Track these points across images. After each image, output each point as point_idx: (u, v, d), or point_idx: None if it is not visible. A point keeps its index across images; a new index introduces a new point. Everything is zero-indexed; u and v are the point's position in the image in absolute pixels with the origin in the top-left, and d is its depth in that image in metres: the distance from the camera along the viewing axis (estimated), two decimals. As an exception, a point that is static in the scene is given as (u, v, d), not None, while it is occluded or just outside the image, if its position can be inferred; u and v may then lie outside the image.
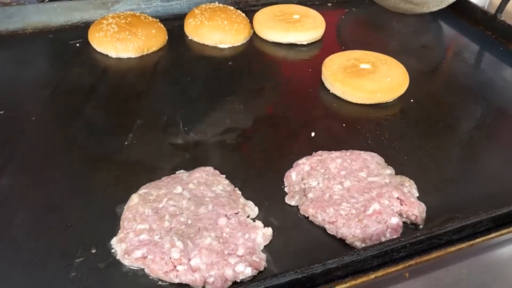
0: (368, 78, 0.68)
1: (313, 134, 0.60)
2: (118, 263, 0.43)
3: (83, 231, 0.46)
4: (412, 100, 0.69)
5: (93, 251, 0.44)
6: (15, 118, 0.61)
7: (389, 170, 0.53)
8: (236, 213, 0.47)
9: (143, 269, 0.42)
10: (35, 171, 0.53)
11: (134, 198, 0.47)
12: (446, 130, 0.64)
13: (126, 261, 0.42)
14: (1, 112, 0.62)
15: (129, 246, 0.42)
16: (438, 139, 0.62)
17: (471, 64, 0.82)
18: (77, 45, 0.78)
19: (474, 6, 0.92)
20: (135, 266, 0.42)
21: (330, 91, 0.69)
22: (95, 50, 0.76)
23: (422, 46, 0.87)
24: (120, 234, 0.44)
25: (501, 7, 0.87)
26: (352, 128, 0.63)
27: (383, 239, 0.45)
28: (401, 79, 0.69)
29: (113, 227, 0.46)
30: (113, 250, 0.44)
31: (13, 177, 0.52)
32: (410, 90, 0.70)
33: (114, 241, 0.44)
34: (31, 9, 0.81)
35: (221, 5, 0.85)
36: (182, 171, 0.52)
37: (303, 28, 0.80)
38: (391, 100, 0.68)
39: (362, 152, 0.55)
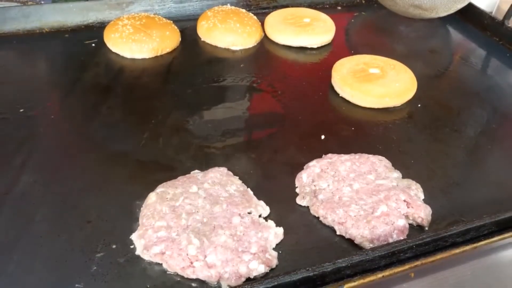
0: (376, 83, 0.70)
1: (323, 137, 0.62)
2: (137, 258, 0.45)
3: (103, 227, 0.48)
4: (419, 105, 0.71)
5: (113, 246, 0.46)
6: (34, 116, 0.63)
7: (396, 174, 0.55)
8: (249, 213, 0.49)
9: (161, 265, 0.44)
10: (55, 169, 0.55)
11: (152, 197, 0.49)
12: (452, 134, 0.66)
13: (146, 256, 0.44)
14: (21, 110, 0.64)
15: (148, 242, 0.44)
16: (444, 144, 0.64)
17: (478, 69, 0.84)
18: (93, 45, 0.80)
19: (482, 12, 0.94)
20: (153, 261, 0.44)
21: (340, 95, 0.71)
22: (110, 50, 0.78)
23: (430, 50, 0.88)
24: (140, 231, 0.46)
25: (509, 14, 0.88)
26: (361, 131, 0.64)
27: (390, 240, 0.47)
28: (409, 84, 0.71)
29: (131, 224, 0.48)
30: (132, 246, 0.46)
31: (34, 174, 0.54)
32: (418, 94, 0.72)
33: (134, 237, 0.46)
34: (48, 9, 0.83)
35: (233, 7, 0.87)
36: (197, 171, 0.54)
37: (313, 32, 0.82)
38: (399, 105, 0.70)
39: (370, 155, 0.57)
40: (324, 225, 0.50)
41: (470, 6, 0.94)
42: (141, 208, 0.49)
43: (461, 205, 0.54)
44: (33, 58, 0.76)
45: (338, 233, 0.48)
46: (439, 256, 0.45)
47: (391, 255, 0.43)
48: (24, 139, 0.59)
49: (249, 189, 0.52)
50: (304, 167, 0.56)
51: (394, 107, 0.70)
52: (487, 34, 0.92)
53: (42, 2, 0.89)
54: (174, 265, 0.43)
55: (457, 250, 0.45)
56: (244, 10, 0.87)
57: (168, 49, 0.78)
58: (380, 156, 0.57)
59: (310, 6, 0.96)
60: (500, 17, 0.90)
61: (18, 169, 0.54)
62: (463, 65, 0.85)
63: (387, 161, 0.57)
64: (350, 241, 0.48)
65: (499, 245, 0.48)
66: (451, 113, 0.70)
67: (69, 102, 0.67)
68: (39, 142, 0.59)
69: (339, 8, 0.99)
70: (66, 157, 0.57)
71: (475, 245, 0.46)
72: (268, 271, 0.44)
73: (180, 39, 0.81)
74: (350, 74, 0.71)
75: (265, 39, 0.85)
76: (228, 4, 0.90)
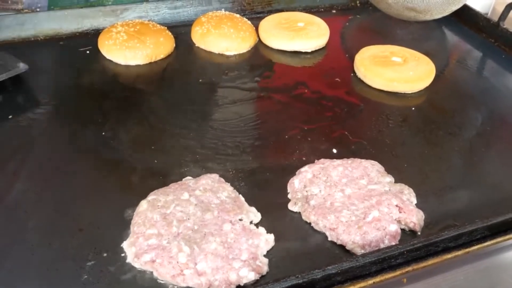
0: (391, 69, 0.75)
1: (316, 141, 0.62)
2: (128, 266, 0.45)
3: (94, 235, 0.48)
4: (413, 108, 0.71)
5: (104, 254, 0.46)
6: (27, 124, 0.63)
7: (389, 178, 0.55)
8: (240, 219, 0.48)
9: (152, 273, 0.44)
10: (47, 177, 0.55)
11: (143, 204, 0.49)
12: (446, 137, 0.65)
13: (136, 264, 0.44)
14: (9, 116, 0.64)
15: (139, 250, 0.44)
16: (439, 147, 0.63)
17: (473, 71, 0.83)
18: (87, 52, 0.80)
19: (477, 14, 0.94)
20: (144, 269, 0.44)
21: (357, 75, 0.77)
22: (104, 57, 0.78)
23: (426, 52, 0.87)
24: (131, 239, 0.46)
25: (504, 15, 0.88)
26: (354, 136, 0.64)
27: (382, 246, 0.47)
28: (423, 74, 0.74)
29: (123, 232, 0.48)
30: (123, 254, 0.46)
31: (27, 182, 0.54)
32: (412, 97, 0.72)
33: (125, 245, 0.46)
34: (43, 17, 0.84)
35: (227, 12, 0.87)
36: (189, 177, 0.54)
37: (307, 36, 0.82)
38: (409, 92, 0.73)
39: (363, 160, 0.57)
40: (316, 231, 0.50)
41: (465, 7, 0.94)
42: (133, 216, 0.49)
43: (454, 209, 0.54)
44: (28, 66, 0.76)
45: (329, 239, 0.48)
46: (430, 261, 0.44)
47: (381, 261, 0.43)
48: (17, 147, 0.59)
49: (240, 195, 0.52)
50: (296, 172, 0.55)
51: (404, 93, 0.73)
52: (483, 36, 0.92)
53: (38, 10, 0.90)
54: (164, 273, 0.43)
55: (449, 255, 0.45)
56: (238, 15, 0.87)
57: (162, 55, 0.79)
58: (372, 161, 0.57)
59: (305, 10, 0.96)
60: (495, 18, 0.90)
61: (11, 177, 0.54)
62: (458, 67, 0.85)
63: (379, 165, 0.57)
64: (342, 247, 0.48)
65: (491, 250, 0.48)
66: (446, 116, 0.70)
67: (62, 110, 0.67)
68: (32, 150, 0.59)
69: (334, 11, 0.99)
70: (59, 165, 0.57)
71: (467, 250, 0.46)
72: (258, 278, 0.44)
73: (174, 45, 0.81)
74: (371, 58, 0.76)
75: (260, 44, 0.85)
76: (223, 9, 0.90)
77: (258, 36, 0.86)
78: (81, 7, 0.86)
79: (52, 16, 0.84)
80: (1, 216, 0.50)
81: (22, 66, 0.69)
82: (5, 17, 0.82)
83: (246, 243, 0.46)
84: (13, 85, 0.70)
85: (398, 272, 0.43)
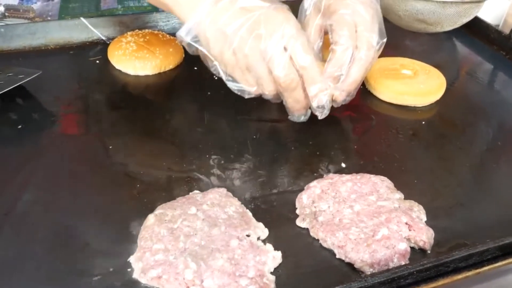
0: (401, 82, 0.74)
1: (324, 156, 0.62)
2: (134, 282, 0.44)
3: (101, 249, 0.48)
4: (423, 122, 0.70)
5: (111, 269, 0.45)
6: (36, 133, 0.64)
7: (398, 195, 0.54)
8: (247, 235, 0.48)
9: (158, 289, 0.44)
10: (55, 189, 0.55)
11: (150, 218, 0.49)
12: (457, 152, 0.65)
13: (143, 280, 0.44)
14: (20, 126, 0.64)
15: (146, 265, 0.44)
16: (449, 162, 0.63)
17: (484, 84, 0.83)
18: (97, 61, 0.80)
19: (488, 26, 0.93)
20: (150, 285, 0.44)
21: (366, 87, 0.76)
22: (114, 67, 0.78)
23: (436, 65, 0.87)
24: (138, 253, 0.46)
25: (515, 28, 0.87)
26: (363, 150, 0.64)
27: (391, 264, 0.46)
28: (434, 88, 0.73)
29: (130, 247, 0.48)
30: (129, 269, 0.45)
31: (35, 193, 0.54)
32: (422, 110, 0.72)
33: (132, 259, 0.46)
34: (53, 26, 0.85)
35: (236, 23, 0.87)
36: (196, 191, 0.54)
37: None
38: (420, 105, 0.73)
39: (372, 175, 0.56)
40: (324, 248, 0.49)
41: (476, 19, 0.93)
42: (140, 230, 0.49)
43: (465, 227, 0.53)
44: (38, 75, 0.76)
45: (337, 256, 0.48)
46: (441, 282, 0.44)
47: (390, 281, 0.42)
48: (26, 157, 0.59)
49: (248, 210, 0.52)
50: (305, 187, 0.55)
51: (414, 106, 0.72)
52: (494, 48, 0.91)
53: (49, 19, 0.91)
54: (170, 289, 0.43)
55: (459, 276, 0.44)
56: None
57: (171, 66, 0.79)
58: (382, 177, 0.56)
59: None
60: (506, 30, 0.89)
61: (19, 188, 0.54)
62: (469, 80, 0.84)
63: (389, 181, 0.56)
64: (350, 265, 0.47)
65: (503, 270, 0.47)
66: (456, 130, 0.69)
67: (72, 119, 0.67)
68: (41, 161, 0.59)
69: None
70: (67, 177, 0.57)
71: (478, 270, 0.45)
72: (265, 296, 0.43)
73: (183, 55, 0.82)
74: (381, 70, 0.75)
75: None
76: (232, 20, 0.90)
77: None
78: (92, 17, 0.87)
79: (63, 25, 0.85)
80: (9, 228, 0.50)
81: (34, 71, 0.70)
82: (18, 26, 0.83)
83: (253, 260, 0.45)
84: (23, 95, 0.71)
85: (407, 293, 0.42)
